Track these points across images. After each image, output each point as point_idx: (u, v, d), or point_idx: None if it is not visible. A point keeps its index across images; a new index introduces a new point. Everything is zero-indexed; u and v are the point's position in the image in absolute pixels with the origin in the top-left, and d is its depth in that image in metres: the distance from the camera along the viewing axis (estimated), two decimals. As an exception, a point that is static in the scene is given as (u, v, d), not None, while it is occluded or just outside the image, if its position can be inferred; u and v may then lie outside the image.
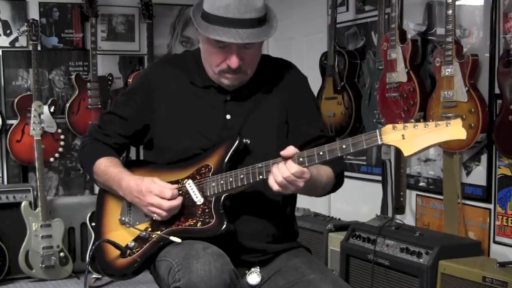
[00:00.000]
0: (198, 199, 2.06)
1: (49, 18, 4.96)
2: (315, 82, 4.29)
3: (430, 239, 3.30)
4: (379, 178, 4.08)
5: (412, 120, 1.87)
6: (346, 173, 4.48)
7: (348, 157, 4.27)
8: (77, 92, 4.89)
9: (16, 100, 4.78)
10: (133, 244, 2.08)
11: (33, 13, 4.90)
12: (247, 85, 2.14)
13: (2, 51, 4.84)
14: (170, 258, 1.94)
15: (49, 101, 4.80)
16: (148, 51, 5.01)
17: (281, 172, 1.91)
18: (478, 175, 3.41)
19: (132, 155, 4.14)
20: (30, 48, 4.72)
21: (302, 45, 4.81)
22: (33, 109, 4.55)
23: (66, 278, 4.59)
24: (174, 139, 2.14)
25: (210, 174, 2.07)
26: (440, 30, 3.58)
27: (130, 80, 5.05)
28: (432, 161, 3.71)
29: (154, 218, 2.08)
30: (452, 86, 3.27)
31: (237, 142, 2.07)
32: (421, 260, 3.20)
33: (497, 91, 3.22)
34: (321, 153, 1.91)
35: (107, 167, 2.16)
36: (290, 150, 1.94)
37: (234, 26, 1.98)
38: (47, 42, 4.95)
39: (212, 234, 1.98)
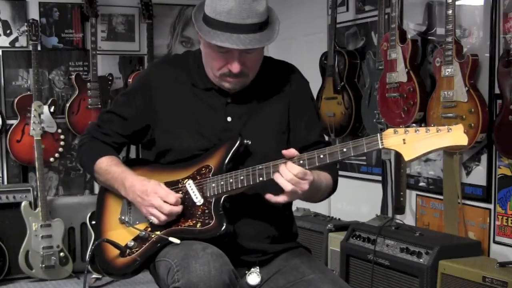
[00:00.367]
0: (198, 199, 2.06)
1: (49, 18, 4.96)
2: (315, 82, 4.29)
3: (430, 239, 3.30)
4: (379, 178, 4.08)
5: (414, 125, 1.87)
6: (346, 173, 4.50)
7: (348, 157, 4.27)
8: (77, 92, 4.89)
9: (16, 100, 4.78)
10: (132, 243, 2.08)
11: (33, 13, 4.90)
12: (249, 87, 2.14)
13: (2, 51, 4.84)
14: (169, 259, 1.94)
15: (49, 101, 4.80)
16: (148, 51, 5.01)
17: (285, 175, 1.91)
18: (478, 175, 3.41)
19: (132, 155, 4.13)
20: (30, 48, 4.72)
21: (302, 45, 4.81)
22: (33, 109, 4.55)
23: (66, 278, 4.60)
24: (174, 140, 2.14)
25: (210, 175, 2.07)
26: (440, 30, 3.58)
27: (130, 80, 5.05)
28: (432, 161, 3.71)
29: (151, 220, 2.07)
30: (452, 86, 3.27)
31: (238, 142, 2.06)
32: (421, 260, 3.20)
33: (497, 91, 3.22)
34: (321, 156, 1.91)
35: (109, 166, 2.16)
36: (292, 150, 1.94)
37: (236, 31, 1.98)
38: (47, 42, 4.95)
39: (212, 235, 1.98)
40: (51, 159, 4.84)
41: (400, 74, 3.58)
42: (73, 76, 4.91)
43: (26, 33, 4.80)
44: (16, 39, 4.86)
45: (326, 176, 2.11)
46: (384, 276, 3.39)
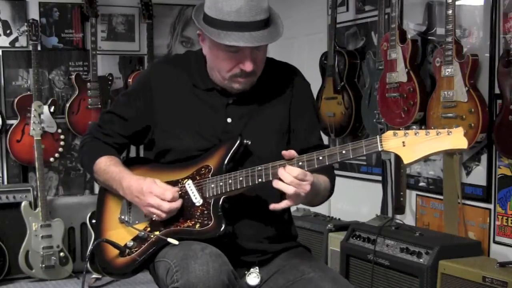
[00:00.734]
0: (197, 200, 2.06)
1: (49, 18, 4.96)
2: (315, 82, 4.29)
3: (430, 239, 3.30)
4: (379, 178, 4.08)
5: (414, 127, 1.86)
6: (346, 173, 4.50)
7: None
8: (77, 92, 4.89)
9: (16, 100, 4.78)
10: (132, 243, 2.08)
11: (33, 13, 4.90)
12: (251, 89, 2.13)
13: (2, 51, 4.84)
14: (168, 259, 1.94)
15: (49, 101, 4.80)
16: (148, 51, 5.01)
17: (285, 179, 1.90)
18: (478, 175, 3.41)
19: (132, 154, 4.14)
20: (30, 48, 4.72)
21: (302, 45, 4.81)
22: (33, 109, 4.55)
23: (66, 278, 4.60)
24: (174, 140, 2.13)
25: (209, 175, 2.06)
26: (440, 30, 3.58)
27: (130, 80, 5.05)
28: (432, 161, 3.71)
29: (153, 218, 2.08)
30: (452, 86, 3.27)
31: (237, 143, 2.06)
32: (421, 260, 3.19)
33: (497, 91, 3.22)
34: (320, 157, 1.91)
35: (108, 166, 2.16)
36: (291, 151, 1.94)
37: (247, 29, 1.97)
38: (47, 42, 4.95)
39: (210, 236, 1.98)
40: (51, 159, 4.84)
41: (400, 74, 3.58)
42: (73, 76, 4.91)
43: (26, 33, 4.80)
44: (16, 39, 4.86)
45: (324, 179, 2.11)
46: (384, 276, 3.39)
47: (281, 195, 2.15)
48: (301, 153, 1.97)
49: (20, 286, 4.54)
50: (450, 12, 3.23)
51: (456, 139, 1.79)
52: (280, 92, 2.18)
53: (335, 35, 4.22)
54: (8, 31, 4.84)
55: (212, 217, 2.01)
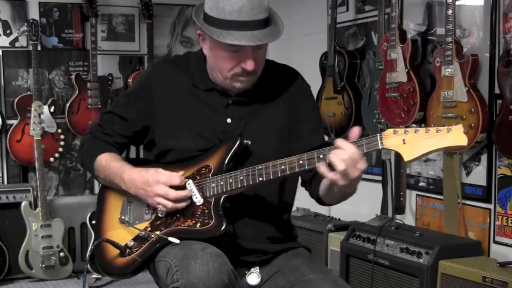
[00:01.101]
0: (197, 199, 2.06)
1: (49, 18, 4.96)
2: (315, 82, 4.29)
3: (430, 239, 3.30)
4: (379, 178, 4.08)
5: (413, 125, 1.87)
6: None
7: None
8: (77, 92, 4.89)
9: (16, 100, 4.78)
10: (132, 243, 2.08)
11: (33, 13, 4.90)
12: (251, 90, 2.14)
13: (2, 51, 4.84)
14: (168, 259, 1.94)
15: (49, 101, 4.80)
16: (148, 51, 5.01)
17: (340, 154, 1.83)
18: (478, 175, 3.41)
19: (132, 155, 4.14)
20: (30, 48, 4.72)
21: (302, 45, 4.81)
22: (33, 109, 4.55)
23: (66, 278, 4.60)
24: (174, 140, 2.13)
25: (210, 175, 2.06)
26: (440, 30, 3.58)
27: (130, 80, 5.05)
28: (432, 161, 3.71)
29: (159, 209, 2.07)
30: (452, 86, 3.27)
31: (238, 142, 2.06)
32: (421, 260, 3.19)
33: (497, 91, 3.22)
34: (321, 156, 1.90)
35: (108, 162, 2.16)
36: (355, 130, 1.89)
37: (248, 28, 1.97)
38: (47, 42, 4.95)
39: (211, 235, 1.98)
40: (51, 159, 4.84)
41: (400, 74, 3.58)
42: (73, 76, 4.91)
43: (26, 33, 4.80)
44: (16, 39, 4.87)
45: None
46: (384, 276, 3.39)
47: (281, 194, 2.16)
48: None
49: (20, 286, 4.54)
50: (450, 12, 3.23)
51: (456, 136, 1.80)
52: (280, 93, 2.18)
53: (335, 35, 4.22)
54: (8, 31, 4.85)
55: (213, 216, 2.01)
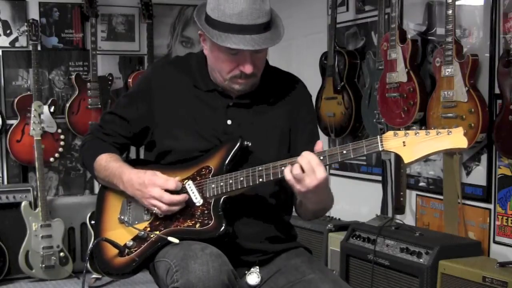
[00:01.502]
0: (197, 200, 2.06)
1: (49, 18, 4.96)
2: (315, 82, 4.30)
3: (430, 239, 3.30)
4: (379, 178, 4.08)
5: (414, 127, 1.88)
6: (346, 173, 4.50)
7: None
8: (77, 92, 4.89)
9: (16, 100, 4.78)
10: (131, 243, 2.08)
11: (33, 13, 4.90)
12: (252, 93, 2.14)
13: (2, 51, 4.84)
14: (168, 259, 1.94)
15: (49, 101, 4.80)
16: (148, 51, 5.01)
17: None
18: (478, 175, 3.41)
19: (132, 155, 4.14)
20: (30, 48, 4.72)
21: (302, 45, 4.81)
22: (33, 109, 4.55)
23: (66, 278, 4.60)
24: (175, 141, 2.14)
25: (210, 176, 2.07)
26: (440, 30, 3.58)
27: (130, 80, 5.05)
28: (432, 161, 3.71)
29: (154, 211, 2.07)
30: (452, 86, 3.27)
31: (238, 144, 2.06)
32: (421, 260, 3.19)
33: (497, 91, 3.22)
34: (321, 157, 1.91)
35: (108, 162, 2.17)
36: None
37: (248, 32, 1.98)
38: (47, 42, 4.95)
39: (211, 236, 1.98)
40: (51, 159, 4.84)
41: (400, 74, 3.58)
42: (73, 76, 4.91)
43: (26, 33, 4.80)
44: (16, 39, 4.87)
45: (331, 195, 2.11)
46: (384, 276, 3.39)
47: (281, 194, 2.16)
48: None
49: (20, 286, 4.54)
50: (450, 12, 3.23)
51: (456, 138, 1.80)
52: (281, 97, 2.19)
53: (335, 35, 4.22)
54: (8, 31, 4.85)
55: (213, 217, 2.01)
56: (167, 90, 2.17)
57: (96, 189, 4.98)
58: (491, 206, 3.33)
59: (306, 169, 1.87)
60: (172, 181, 2.04)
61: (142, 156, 2.37)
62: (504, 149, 3.15)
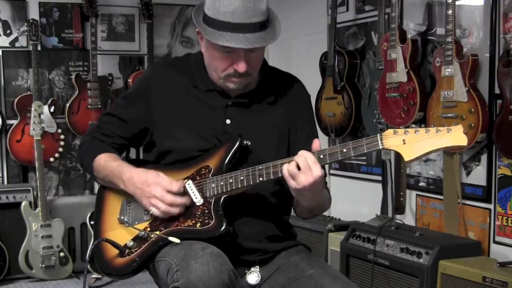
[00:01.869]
0: (197, 199, 2.06)
1: (49, 18, 4.96)
2: (315, 82, 4.30)
3: (430, 239, 3.30)
4: (379, 178, 4.08)
5: (413, 125, 1.88)
6: (346, 173, 4.50)
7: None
8: (77, 92, 4.89)
9: (16, 100, 4.78)
10: (132, 243, 2.08)
11: (33, 13, 4.90)
12: (251, 92, 2.15)
13: (2, 51, 4.84)
14: (168, 258, 1.94)
15: (49, 101, 4.80)
16: (148, 51, 5.01)
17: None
18: (478, 175, 3.41)
19: (132, 156, 4.14)
20: (30, 48, 4.72)
21: (302, 45, 4.81)
22: (33, 109, 4.55)
23: (66, 278, 4.60)
24: (174, 141, 2.14)
25: (210, 175, 2.07)
26: (440, 30, 3.58)
27: (130, 80, 5.05)
28: (432, 161, 3.71)
29: (151, 212, 2.07)
30: (452, 86, 3.27)
31: (237, 143, 2.07)
32: (421, 260, 3.19)
33: (497, 91, 3.22)
34: (321, 156, 1.91)
35: (107, 161, 2.17)
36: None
37: (241, 31, 1.98)
38: (47, 42, 4.95)
39: (211, 235, 1.98)
40: (51, 159, 4.84)
41: (400, 74, 3.58)
42: (73, 76, 4.91)
43: (26, 33, 4.80)
44: (16, 39, 4.87)
45: (327, 195, 2.12)
46: (384, 276, 3.39)
47: (281, 193, 2.16)
48: None
49: (20, 286, 4.54)
50: (450, 12, 3.23)
51: (455, 136, 1.80)
52: (280, 97, 2.19)
53: (335, 35, 4.22)
54: (8, 31, 4.85)
55: (213, 216, 2.01)
56: (165, 91, 2.17)
57: (96, 189, 4.97)
58: (491, 206, 3.33)
59: (302, 166, 1.88)
60: (175, 184, 2.05)
61: (141, 156, 2.37)
62: (504, 149, 3.15)
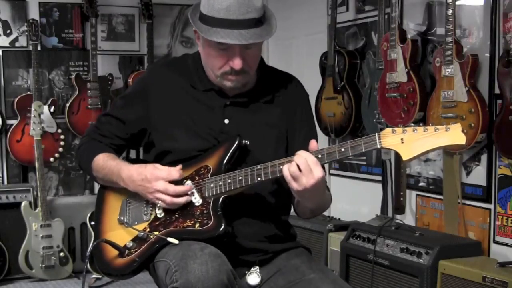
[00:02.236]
0: (196, 200, 2.06)
1: (49, 18, 4.96)
2: (315, 82, 4.30)
3: (430, 239, 3.30)
4: (379, 178, 4.08)
5: (412, 124, 1.87)
6: (346, 173, 4.50)
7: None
8: (77, 92, 4.89)
9: (16, 100, 4.78)
10: (131, 244, 2.08)
11: (33, 13, 4.90)
12: (249, 92, 2.14)
13: (2, 51, 4.85)
14: (167, 259, 1.94)
15: (49, 101, 4.81)
16: (148, 51, 5.01)
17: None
18: (478, 175, 3.40)
19: (132, 156, 4.14)
20: (30, 48, 4.73)
21: (302, 45, 4.81)
22: (33, 109, 4.56)
23: (66, 278, 4.60)
24: (173, 142, 2.14)
25: (209, 175, 2.06)
26: (440, 30, 3.58)
27: (130, 80, 5.05)
28: (432, 161, 3.71)
29: (158, 205, 2.07)
30: (452, 86, 3.27)
31: (236, 143, 2.06)
32: (421, 260, 3.19)
33: (497, 91, 3.22)
34: (319, 156, 1.91)
35: (105, 161, 2.17)
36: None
37: (236, 27, 1.98)
38: (47, 42, 4.96)
39: (210, 236, 1.98)
40: (51, 159, 4.84)
41: (400, 74, 3.58)
42: (73, 76, 4.91)
43: (26, 33, 4.80)
44: (16, 39, 4.87)
45: (328, 194, 2.12)
46: (384, 276, 3.39)
47: (280, 193, 2.15)
48: None
49: (20, 286, 4.54)
50: (450, 12, 3.23)
51: (454, 135, 1.80)
52: (279, 96, 2.19)
53: (335, 35, 4.21)
54: (8, 31, 4.85)
55: (212, 217, 2.01)
56: (164, 91, 2.17)
57: (96, 189, 4.97)
58: (491, 206, 3.33)
59: (303, 168, 1.87)
60: (175, 171, 2.05)
61: (141, 156, 2.37)
62: (504, 149, 3.15)
